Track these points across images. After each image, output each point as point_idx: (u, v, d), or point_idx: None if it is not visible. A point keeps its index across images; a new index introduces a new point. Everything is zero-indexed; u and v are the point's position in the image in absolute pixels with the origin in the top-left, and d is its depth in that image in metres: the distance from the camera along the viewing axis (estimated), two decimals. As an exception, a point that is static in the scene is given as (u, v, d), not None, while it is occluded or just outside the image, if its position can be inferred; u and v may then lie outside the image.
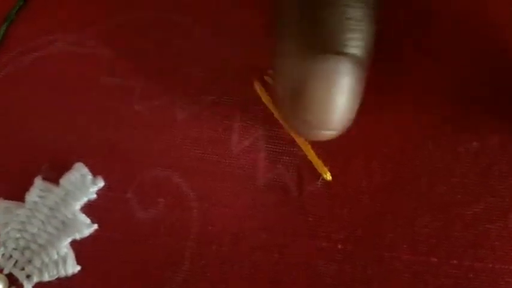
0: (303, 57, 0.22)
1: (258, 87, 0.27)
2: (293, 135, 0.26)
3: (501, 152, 0.26)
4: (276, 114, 0.27)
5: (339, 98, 0.22)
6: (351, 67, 0.22)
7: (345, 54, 0.22)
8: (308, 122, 0.22)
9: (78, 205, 0.26)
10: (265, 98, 0.27)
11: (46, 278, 0.25)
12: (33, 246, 0.26)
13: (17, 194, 0.26)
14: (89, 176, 0.26)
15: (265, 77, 0.27)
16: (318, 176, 0.26)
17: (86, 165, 0.26)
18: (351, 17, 0.22)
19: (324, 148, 0.26)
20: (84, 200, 0.26)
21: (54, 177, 0.26)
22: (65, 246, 0.26)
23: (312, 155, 0.26)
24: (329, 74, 0.22)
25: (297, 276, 0.25)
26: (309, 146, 0.26)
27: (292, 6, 0.23)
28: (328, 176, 0.26)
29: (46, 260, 0.25)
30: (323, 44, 0.22)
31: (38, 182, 0.26)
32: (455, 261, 0.25)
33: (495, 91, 0.27)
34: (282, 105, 0.24)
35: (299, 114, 0.22)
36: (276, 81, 0.24)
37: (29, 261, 0.26)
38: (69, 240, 0.26)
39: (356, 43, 0.22)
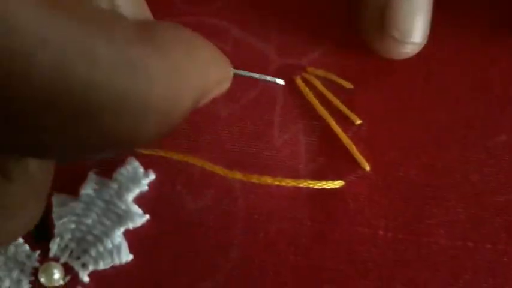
0: None
1: (299, 83, 0.29)
2: (334, 128, 0.28)
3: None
4: (319, 108, 0.28)
5: (419, 14, 0.26)
6: None
7: None
8: (395, 37, 0.26)
9: (131, 196, 0.27)
10: (306, 93, 0.28)
11: (101, 266, 0.27)
12: (89, 236, 0.27)
13: (72, 188, 0.28)
14: (141, 169, 0.27)
15: (305, 74, 0.29)
16: (357, 166, 0.27)
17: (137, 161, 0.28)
18: None
19: (362, 140, 0.28)
20: (137, 192, 0.27)
21: (106, 171, 0.28)
22: (118, 236, 0.27)
23: (351, 147, 0.28)
24: None
25: (340, 261, 0.26)
26: (348, 139, 0.28)
27: None
28: (367, 167, 0.27)
29: (101, 249, 0.27)
30: None
31: (92, 175, 0.28)
32: (489, 246, 0.26)
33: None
34: (369, 28, 0.27)
35: (387, 31, 0.26)
36: (361, 9, 0.28)
37: (85, 251, 0.27)
38: (123, 230, 0.27)
39: None
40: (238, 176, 0.26)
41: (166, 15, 0.31)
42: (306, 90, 0.29)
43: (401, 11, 0.26)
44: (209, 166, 0.27)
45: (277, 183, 0.26)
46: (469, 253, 0.26)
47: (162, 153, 0.27)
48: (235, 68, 0.23)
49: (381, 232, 0.27)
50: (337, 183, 0.27)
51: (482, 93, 0.28)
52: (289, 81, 0.29)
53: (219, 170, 0.26)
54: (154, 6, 0.31)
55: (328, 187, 0.27)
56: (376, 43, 0.27)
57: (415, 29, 0.26)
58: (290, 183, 0.26)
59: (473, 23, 0.29)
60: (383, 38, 0.27)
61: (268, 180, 0.26)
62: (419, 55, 0.27)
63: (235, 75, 0.23)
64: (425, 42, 0.27)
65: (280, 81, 0.27)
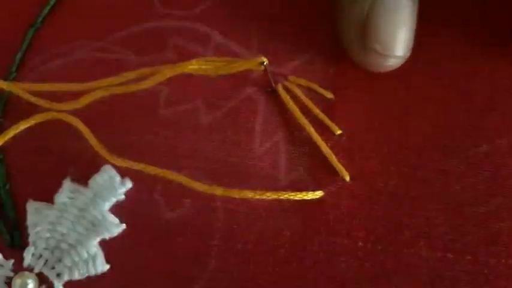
0: None
1: (281, 91, 0.28)
2: (315, 138, 0.27)
3: (509, 155, 0.28)
4: (300, 117, 0.28)
5: (401, 27, 0.26)
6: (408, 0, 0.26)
7: None
8: (376, 50, 0.26)
9: (107, 206, 0.27)
10: (287, 102, 0.28)
11: (76, 276, 0.26)
12: (63, 245, 0.26)
13: (46, 196, 0.27)
14: (117, 178, 0.27)
15: (286, 83, 0.29)
16: (337, 176, 0.27)
17: (114, 168, 0.27)
18: None
19: (342, 150, 0.27)
20: (113, 200, 0.27)
21: (81, 179, 0.27)
22: (94, 246, 0.26)
23: (331, 157, 0.27)
24: (392, 6, 0.26)
25: (319, 272, 0.26)
26: (329, 148, 0.27)
27: None
28: (347, 177, 0.27)
29: (76, 259, 0.26)
30: None
31: (67, 183, 0.27)
32: (470, 257, 0.26)
33: (499, 95, 0.28)
34: (351, 41, 0.27)
35: (368, 44, 0.26)
36: (343, 20, 0.27)
37: (59, 260, 0.26)
38: (99, 239, 0.26)
39: None
40: (218, 191, 0.26)
41: (148, 20, 0.31)
42: (287, 98, 0.28)
43: (383, 24, 0.26)
44: (188, 182, 0.26)
45: (257, 197, 0.26)
46: (449, 265, 0.26)
47: (139, 166, 0.26)
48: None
49: (360, 243, 0.26)
50: (317, 194, 0.27)
51: (463, 103, 0.28)
52: (271, 89, 0.29)
53: (199, 186, 0.26)
54: (136, 10, 0.31)
55: (308, 198, 0.27)
56: (359, 56, 0.27)
57: (397, 42, 0.26)
58: (271, 196, 0.26)
59: (455, 33, 0.29)
60: (365, 51, 0.26)
61: (249, 194, 0.26)
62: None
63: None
64: (408, 54, 0.26)
65: None
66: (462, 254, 0.26)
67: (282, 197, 0.26)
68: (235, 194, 0.26)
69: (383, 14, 0.26)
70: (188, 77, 0.29)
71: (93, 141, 0.27)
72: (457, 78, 0.29)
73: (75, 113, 0.28)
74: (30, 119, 0.28)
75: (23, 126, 0.27)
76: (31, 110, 0.28)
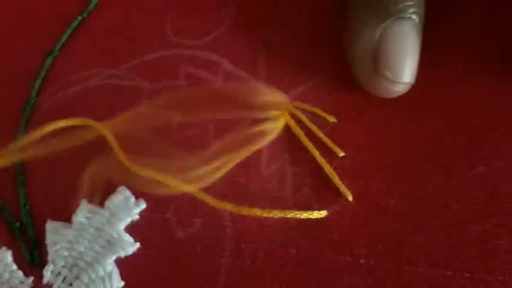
0: (377, 24, 0.27)
1: (286, 116, 0.30)
2: (319, 160, 0.29)
3: (506, 175, 0.29)
4: (304, 140, 0.29)
5: (410, 55, 0.27)
6: (414, 29, 0.27)
7: (407, 19, 0.27)
8: (386, 77, 0.27)
9: (122, 225, 0.28)
10: (293, 126, 0.30)
11: (93, 292, 0.28)
12: (81, 263, 0.28)
13: (64, 216, 0.29)
14: (132, 199, 0.28)
15: (292, 108, 0.30)
16: (341, 196, 0.29)
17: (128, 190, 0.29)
18: None
19: (345, 172, 0.29)
20: (128, 220, 0.28)
21: (98, 201, 0.29)
22: (110, 264, 0.28)
23: (334, 178, 0.29)
24: (402, 35, 0.27)
25: (324, 288, 0.27)
26: (332, 170, 0.29)
27: None
28: (350, 197, 0.28)
29: (93, 276, 0.28)
30: (387, 10, 0.27)
31: (84, 204, 0.29)
32: (467, 274, 0.27)
33: (496, 117, 0.30)
34: (362, 69, 0.28)
35: (379, 71, 0.27)
36: (353, 47, 0.28)
37: (77, 277, 0.28)
38: (114, 257, 0.28)
39: (412, 9, 0.28)
40: (228, 207, 0.27)
41: (160, 49, 0.32)
42: (292, 123, 0.30)
43: (393, 53, 0.27)
44: (201, 195, 0.28)
45: (265, 215, 0.27)
46: (447, 281, 0.27)
47: (159, 177, 0.28)
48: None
49: (362, 260, 0.28)
50: (322, 213, 0.28)
51: (464, 123, 0.29)
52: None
53: (210, 200, 0.27)
54: (149, 39, 0.32)
55: (313, 217, 0.28)
56: (368, 82, 0.28)
57: (406, 69, 0.27)
58: (278, 214, 0.28)
59: (457, 54, 0.30)
60: (375, 77, 0.28)
61: (258, 212, 0.27)
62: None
63: None
64: (414, 80, 0.28)
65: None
66: (460, 271, 0.27)
67: (288, 216, 0.28)
68: (245, 211, 0.27)
69: (393, 42, 0.27)
70: (196, 103, 0.30)
71: (117, 149, 0.28)
72: (456, 99, 0.30)
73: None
74: (55, 122, 0.29)
75: (48, 128, 0.29)
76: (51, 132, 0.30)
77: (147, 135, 0.30)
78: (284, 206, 0.29)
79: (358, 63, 0.28)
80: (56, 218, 0.29)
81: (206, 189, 0.29)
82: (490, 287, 0.27)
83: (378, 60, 0.27)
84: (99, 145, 0.30)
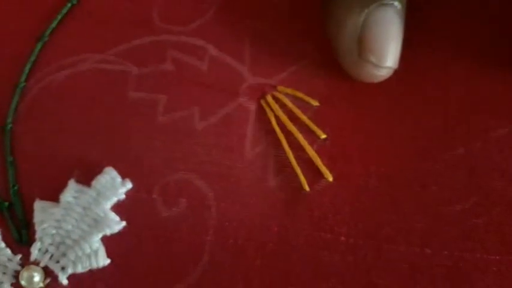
0: (360, 10, 0.28)
1: (270, 100, 0.31)
2: (301, 142, 0.30)
3: (483, 156, 0.29)
4: (287, 123, 0.30)
5: (393, 40, 0.28)
6: (397, 15, 0.28)
7: (390, 5, 0.28)
8: (370, 61, 0.28)
9: (108, 204, 0.29)
10: (276, 110, 0.30)
11: (79, 269, 0.28)
12: (68, 241, 0.28)
13: (52, 196, 0.29)
14: (118, 179, 0.29)
15: (275, 92, 0.31)
16: (322, 177, 0.29)
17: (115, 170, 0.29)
18: None
19: (326, 153, 0.30)
20: (114, 200, 0.29)
21: (85, 181, 0.29)
22: (96, 241, 0.28)
23: (316, 159, 0.29)
24: (385, 20, 0.28)
25: (304, 265, 0.28)
26: (314, 151, 0.29)
27: None
28: (330, 177, 0.29)
29: (80, 253, 0.28)
30: None
31: (72, 184, 0.29)
32: (446, 252, 0.28)
33: (473, 102, 0.30)
34: (347, 54, 0.29)
35: (363, 56, 0.28)
36: (337, 33, 0.29)
37: (64, 255, 0.28)
38: (101, 235, 0.28)
39: None
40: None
41: (147, 34, 0.33)
42: (276, 107, 0.30)
43: (377, 38, 0.28)
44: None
45: None
46: (427, 259, 0.28)
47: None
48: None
49: (342, 238, 0.28)
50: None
51: (442, 109, 0.30)
52: (261, 98, 0.31)
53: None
54: (137, 25, 0.33)
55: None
56: (353, 67, 0.29)
57: (390, 54, 0.28)
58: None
59: (436, 42, 0.31)
60: (359, 62, 0.28)
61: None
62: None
63: None
64: (397, 66, 0.29)
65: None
66: (439, 250, 0.28)
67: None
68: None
69: (377, 28, 0.28)
70: (183, 86, 0.31)
71: None
72: (435, 86, 0.31)
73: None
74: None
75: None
76: (40, 115, 0.31)
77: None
78: (266, 186, 0.29)
79: (342, 49, 0.29)
80: (44, 198, 0.29)
81: (191, 169, 0.30)
82: (469, 265, 0.28)
83: (362, 45, 0.28)
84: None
